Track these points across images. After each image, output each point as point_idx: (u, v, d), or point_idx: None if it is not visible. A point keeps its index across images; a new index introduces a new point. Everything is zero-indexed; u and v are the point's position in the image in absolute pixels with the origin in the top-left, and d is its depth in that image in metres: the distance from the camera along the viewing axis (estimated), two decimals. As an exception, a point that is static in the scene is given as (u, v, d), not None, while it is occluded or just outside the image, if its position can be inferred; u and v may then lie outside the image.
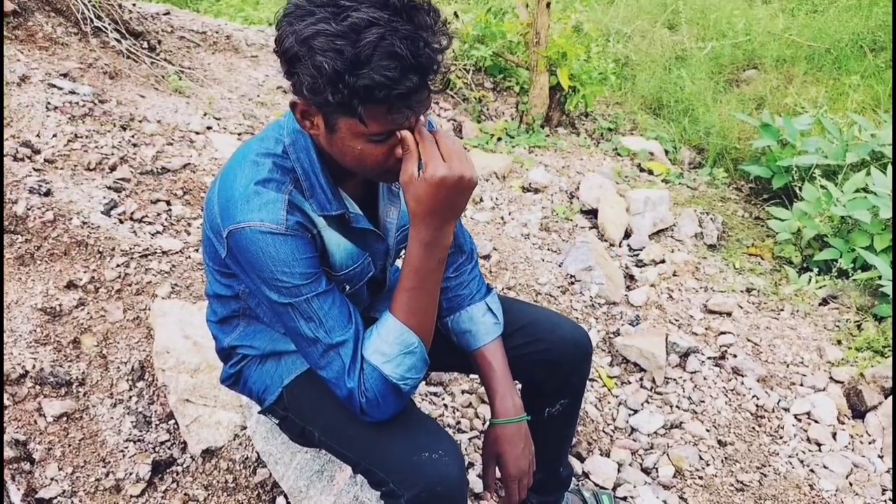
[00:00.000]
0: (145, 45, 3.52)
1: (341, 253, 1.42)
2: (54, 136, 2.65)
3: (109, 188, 2.55)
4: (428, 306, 1.35)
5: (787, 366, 2.68)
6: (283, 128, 1.35)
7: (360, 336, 1.34)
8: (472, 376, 2.50)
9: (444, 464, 1.34)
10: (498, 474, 1.61)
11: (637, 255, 3.27)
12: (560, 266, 3.04)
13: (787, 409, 2.49)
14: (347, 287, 1.48)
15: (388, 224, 1.51)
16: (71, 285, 2.27)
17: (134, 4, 3.83)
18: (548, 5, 4.15)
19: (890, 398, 2.46)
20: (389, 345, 1.32)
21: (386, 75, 1.09)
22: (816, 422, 2.45)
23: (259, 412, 1.69)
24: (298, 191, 1.32)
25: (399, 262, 1.63)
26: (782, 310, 3.00)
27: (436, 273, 1.32)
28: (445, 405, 2.38)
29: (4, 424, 1.99)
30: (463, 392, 2.44)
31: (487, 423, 2.28)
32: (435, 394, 2.42)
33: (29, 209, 2.35)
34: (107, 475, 1.98)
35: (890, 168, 3.28)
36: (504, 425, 1.57)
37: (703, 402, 2.48)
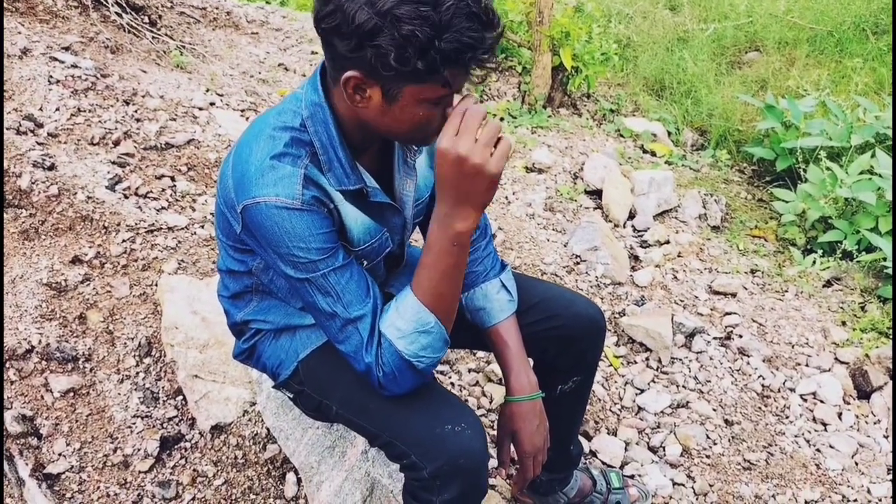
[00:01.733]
0: (146, 19, 3.47)
1: (359, 228, 1.40)
2: (57, 109, 2.62)
3: (114, 163, 2.52)
4: (444, 287, 1.32)
5: (793, 346, 2.68)
6: (300, 100, 1.32)
7: (379, 310, 1.33)
8: (478, 355, 2.49)
9: (468, 437, 1.34)
10: (513, 451, 1.60)
11: (641, 235, 3.26)
12: (565, 246, 3.03)
13: (792, 390, 2.50)
14: (365, 262, 1.47)
15: (405, 197, 1.49)
16: (76, 260, 2.24)
17: (133, -22, 3.78)
18: (552, -16, 4.11)
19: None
20: (405, 321, 1.31)
21: (471, 36, 1.11)
22: (822, 402, 2.45)
23: (273, 387, 1.68)
24: (315, 165, 1.30)
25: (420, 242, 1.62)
26: (787, 291, 3.01)
27: (451, 255, 1.29)
28: (452, 383, 2.38)
29: (11, 399, 1.98)
30: (469, 371, 2.44)
31: (498, 401, 2.29)
32: (441, 372, 2.42)
33: (33, 183, 2.32)
34: (115, 451, 1.97)
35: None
36: (520, 402, 1.56)
37: (710, 381, 2.48)
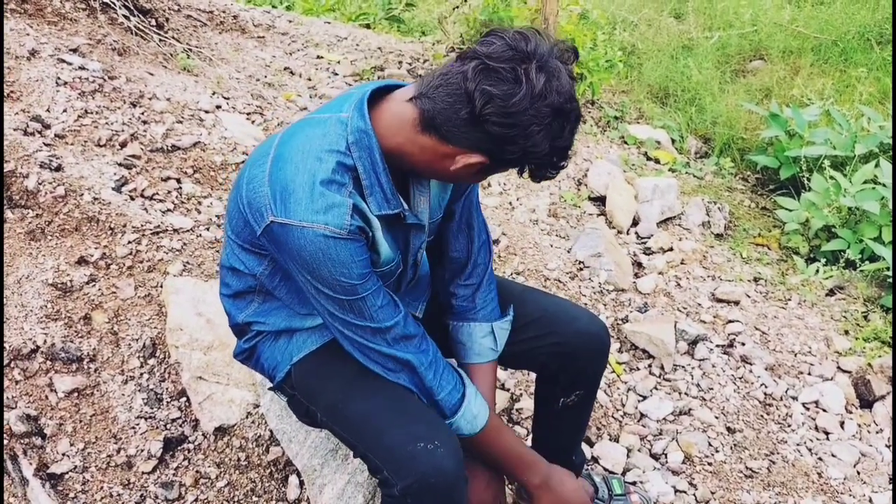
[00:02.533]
0: (153, 22, 3.48)
1: (385, 250, 1.43)
2: (64, 111, 2.63)
3: (120, 165, 2.54)
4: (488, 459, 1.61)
5: (795, 355, 2.69)
6: (345, 125, 1.32)
7: (410, 323, 1.43)
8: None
9: (440, 455, 1.34)
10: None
11: (645, 242, 3.27)
12: (569, 252, 3.04)
13: (795, 398, 2.50)
14: (382, 281, 1.49)
15: (421, 214, 1.51)
16: (82, 261, 2.25)
17: (141, -19, 3.80)
18: (557, -9, 4.12)
19: (897, 388, 2.48)
20: (476, 410, 1.51)
21: (564, 158, 1.30)
22: (824, 410, 2.45)
23: (269, 389, 1.69)
24: (357, 191, 1.32)
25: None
26: (790, 299, 3.01)
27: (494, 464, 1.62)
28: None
29: (16, 399, 1.98)
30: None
31: (500, 405, 2.29)
32: (444, 376, 2.42)
33: (40, 184, 2.33)
34: (118, 451, 1.98)
35: (899, 160, 3.29)
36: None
37: (712, 389, 2.49)
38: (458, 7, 4.76)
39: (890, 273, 2.90)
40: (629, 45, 5.44)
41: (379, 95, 1.36)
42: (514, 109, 1.19)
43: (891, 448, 2.34)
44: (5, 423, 1.91)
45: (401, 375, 1.43)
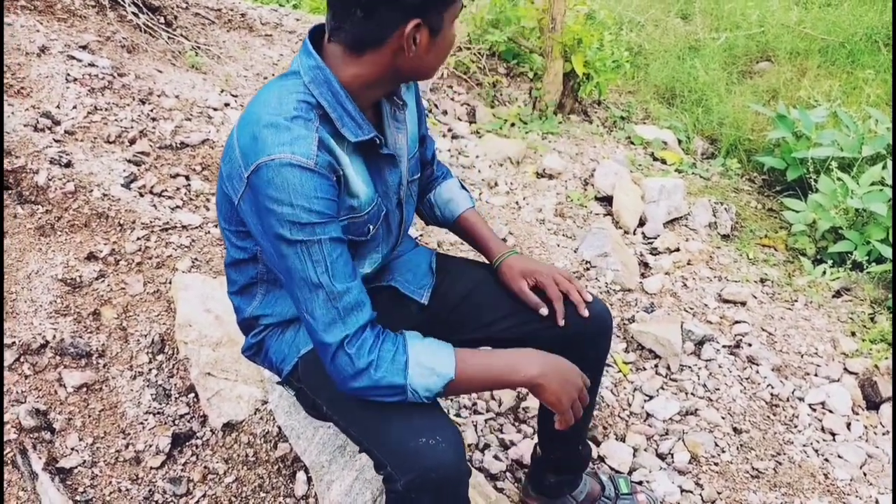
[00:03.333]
0: (162, 20, 3.49)
1: (363, 189, 1.42)
2: (74, 107, 2.64)
3: (129, 161, 2.54)
4: (477, 384, 1.45)
5: (802, 356, 2.69)
6: (296, 72, 1.34)
7: (363, 291, 1.34)
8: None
9: (441, 450, 1.33)
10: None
11: (651, 242, 3.27)
12: (575, 252, 3.04)
13: (801, 399, 2.50)
14: (371, 228, 1.49)
15: (399, 150, 1.51)
16: (91, 257, 2.26)
17: (149, -21, 3.81)
18: (565, -9, 4.12)
19: (904, 390, 2.47)
20: (432, 357, 1.35)
21: None
22: (831, 412, 2.45)
23: (277, 383, 1.69)
24: (325, 127, 1.31)
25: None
26: (796, 300, 3.01)
27: (498, 384, 1.47)
28: (461, 386, 2.38)
29: (26, 393, 1.99)
30: (479, 374, 2.44)
31: (507, 404, 2.30)
32: (451, 375, 2.42)
33: (50, 180, 2.34)
34: (126, 447, 1.99)
35: (906, 162, 3.28)
36: (512, 255, 1.72)
37: (719, 389, 2.49)
38: (464, 6, 4.76)
39: (897, 275, 2.90)
40: (636, 46, 5.44)
41: (319, 36, 1.38)
42: None
43: (897, 450, 2.34)
44: (15, 417, 1.93)
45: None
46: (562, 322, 1.64)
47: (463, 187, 1.86)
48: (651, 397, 2.44)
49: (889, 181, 3.20)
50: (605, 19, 4.81)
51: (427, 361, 1.34)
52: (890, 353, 2.65)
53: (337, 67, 1.32)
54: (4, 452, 1.87)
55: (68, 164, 2.40)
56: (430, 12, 1.27)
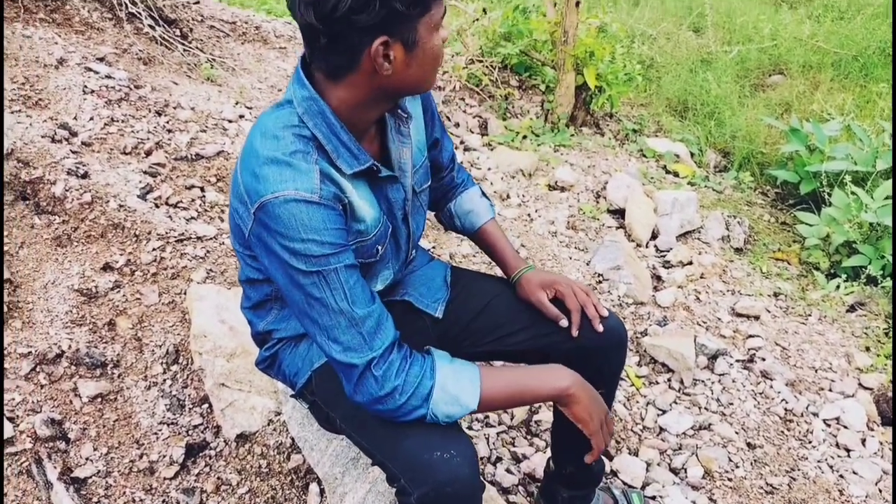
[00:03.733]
0: (178, 32, 3.53)
1: (369, 212, 1.43)
2: (91, 119, 2.67)
3: (145, 172, 2.57)
4: (501, 401, 1.41)
5: (816, 371, 2.67)
6: (290, 102, 1.34)
7: (384, 313, 1.34)
8: (500, 371, 2.50)
9: (456, 464, 1.32)
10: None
11: (664, 255, 3.26)
12: (588, 264, 3.04)
13: (816, 414, 2.48)
14: (379, 248, 1.49)
15: (403, 164, 1.51)
16: (107, 267, 2.28)
17: (166, -8, 3.85)
18: (577, 4, 4.14)
19: (920, 406, 2.45)
20: (456, 383, 1.33)
21: None
22: (846, 427, 2.44)
23: (291, 396, 1.70)
24: (324, 158, 1.32)
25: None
26: (810, 315, 2.99)
27: (525, 400, 1.43)
28: (474, 399, 2.38)
29: (41, 403, 2.01)
30: (491, 386, 2.44)
31: (520, 417, 2.30)
32: (463, 387, 2.42)
33: (67, 190, 2.36)
34: (141, 457, 1.99)
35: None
36: (530, 270, 1.73)
37: (732, 404, 2.48)
38: (477, 20, 4.79)
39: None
40: (648, 59, 5.45)
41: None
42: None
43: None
44: (31, 426, 1.94)
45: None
46: (576, 332, 1.64)
47: (484, 195, 1.87)
48: (664, 411, 2.43)
49: (903, 195, 3.18)
50: (618, 32, 4.83)
51: (452, 388, 1.33)
52: (905, 369, 2.63)
53: (326, 94, 1.32)
54: (20, 462, 1.88)
55: (85, 175, 2.42)
56: (398, 27, 1.22)
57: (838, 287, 3.12)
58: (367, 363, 1.29)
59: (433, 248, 2.95)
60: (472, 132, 4.14)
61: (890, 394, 2.50)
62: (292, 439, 1.99)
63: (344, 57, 1.25)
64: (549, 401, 1.45)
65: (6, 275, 2.16)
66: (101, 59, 3.01)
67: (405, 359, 1.33)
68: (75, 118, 2.65)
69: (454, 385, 1.33)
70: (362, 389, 1.31)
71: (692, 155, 4.37)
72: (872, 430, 2.45)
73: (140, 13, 3.36)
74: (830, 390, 2.60)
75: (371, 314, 1.31)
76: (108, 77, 2.91)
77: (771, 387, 2.56)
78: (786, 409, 2.49)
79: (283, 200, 1.24)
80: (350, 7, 1.18)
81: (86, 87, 2.79)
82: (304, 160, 1.28)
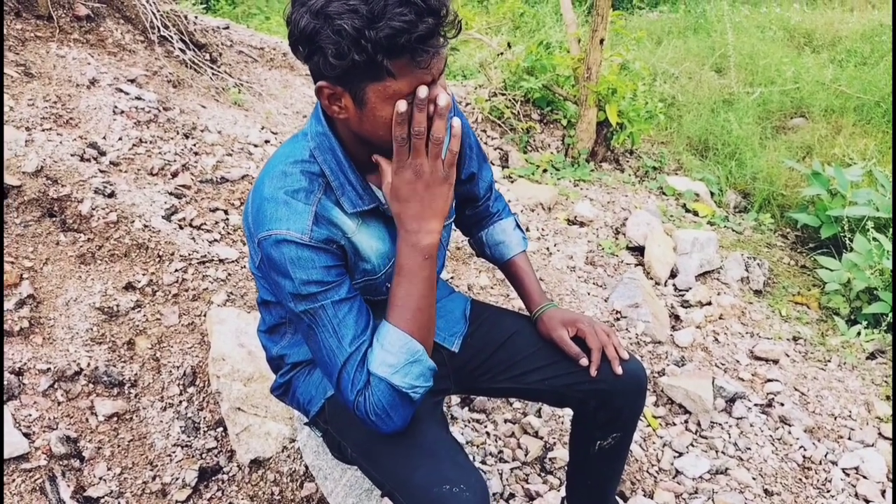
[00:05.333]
0: (207, 56, 3.58)
1: (375, 254, 1.44)
2: (120, 139, 2.70)
3: (171, 194, 2.59)
4: (423, 304, 1.34)
5: (835, 418, 2.63)
6: (306, 134, 1.38)
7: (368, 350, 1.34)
8: (515, 405, 2.48)
9: (465, 499, 1.31)
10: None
11: (683, 295, 3.24)
12: (606, 301, 3.03)
13: (834, 463, 2.45)
14: (389, 286, 1.49)
15: None
16: (129, 287, 2.29)
17: (196, 17, 3.92)
18: (601, 41, 4.18)
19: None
20: (395, 355, 1.31)
21: (403, 20, 1.11)
22: (865, 477, 2.39)
23: (305, 424, 1.69)
24: (329, 195, 1.34)
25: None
26: (829, 361, 2.96)
27: (423, 269, 1.32)
28: (488, 433, 2.37)
29: (57, 420, 2.01)
30: (506, 421, 2.43)
31: (534, 454, 2.28)
32: (478, 421, 2.41)
33: (93, 209, 2.38)
34: (154, 478, 1.99)
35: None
36: (552, 308, 1.72)
37: (750, 449, 2.44)
38: (501, 53, 4.84)
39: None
40: (669, 97, 5.47)
41: None
42: (293, 17, 1.18)
43: (934, 521, 2.28)
44: (46, 443, 1.94)
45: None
46: (594, 372, 1.62)
47: (518, 226, 1.85)
48: (680, 454, 2.40)
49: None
50: (640, 70, 4.86)
51: (392, 359, 1.32)
52: (927, 420, 2.59)
53: (341, 128, 1.33)
54: (34, 478, 1.88)
55: (112, 195, 2.45)
56: (343, 80, 1.19)
57: (859, 334, 3.09)
58: (356, 396, 1.32)
59: (451, 278, 2.95)
60: (493, 164, 4.16)
61: (911, 445, 2.47)
62: (306, 467, 1.98)
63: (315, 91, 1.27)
64: (425, 257, 1.32)
65: (29, 290, 2.18)
66: (132, 81, 3.06)
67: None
68: (104, 138, 2.69)
69: (392, 357, 1.32)
70: (363, 418, 1.34)
71: (712, 194, 4.36)
72: (893, 481, 2.41)
73: (171, 37, 3.41)
74: (850, 439, 2.56)
75: (359, 348, 1.32)
76: (138, 98, 2.95)
77: (789, 433, 2.53)
78: (804, 457, 2.45)
79: (274, 239, 1.28)
80: (292, 43, 1.21)
81: (116, 107, 2.83)
82: (304, 199, 1.31)
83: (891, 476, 2.43)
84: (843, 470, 2.42)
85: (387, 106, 1.21)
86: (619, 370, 1.62)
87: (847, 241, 3.50)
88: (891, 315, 3.06)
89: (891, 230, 3.44)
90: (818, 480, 2.38)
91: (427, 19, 1.14)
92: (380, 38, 1.12)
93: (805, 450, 2.47)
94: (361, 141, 1.31)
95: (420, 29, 1.13)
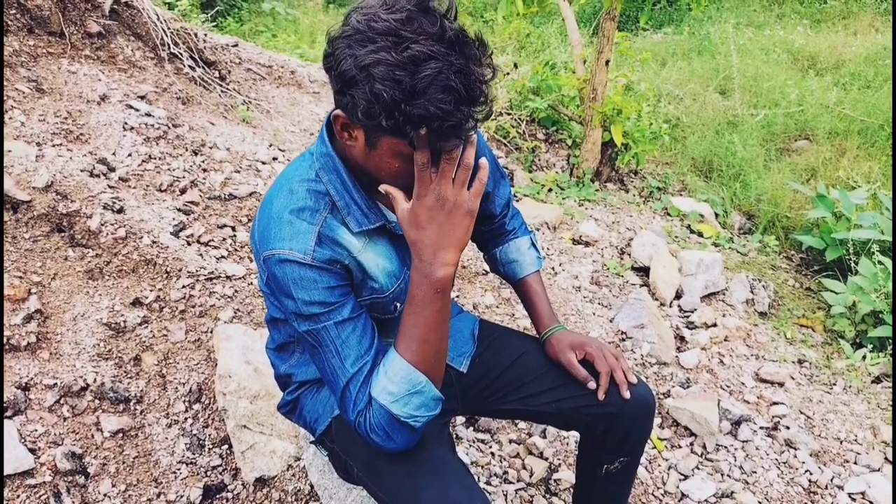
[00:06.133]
0: (216, 74, 3.61)
1: (382, 273, 1.43)
2: (129, 155, 2.72)
3: (179, 210, 2.60)
4: (431, 336, 1.32)
5: (841, 442, 2.62)
6: (312, 154, 1.39)
7: (374, 368, 1.34)
8: (520, 426, 2.48)
9: None
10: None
11: (688, 316, 3.24)
12: (611, 321, 3.02)
13: (840, 487, 2.43)
14: (397, 305, 1.50)
15: None
16: (137, 303, 2.30)
17: (205, 34, 3.95)
18: (606, 63, 4.21)
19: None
20: (396, 384, 1.31)
21: (441, 108, 1.11)
22: (871, 503, 2.38)
23: (311, 443, 1.69)
24: (335, 214, 1.35)
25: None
26: (835, 384, 2.95)
27: (434, 302, 1.29)
28: (493, 453, 2.36)
29: (63, 436, 2.01)
30: (511, 442, 2.42)
31: (539, 475, 2.27)
32: (483, 441, 2.40)
33: (102, 225, 2.39)
34: (158, 496, 1.98)
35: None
36: (562, 330, 1.71)
37: (755, 472, 2.43)
38: (508, 73, 4.87)
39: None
40: (674, 118, 5.50)
41: None
42: (338, 52, 1.16)
43: (942, 547, 2.26)
44: (51, 459, 1.93)
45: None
46: (602, 396, 1.62)
47: (534, 245, 1.84)
48: (686, 476, 2.39)
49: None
50: (645, 91, 4.89)
51: (393, 388, 1.31)
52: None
53: (342, 147, 1.34)
54: (39, 495, 1.87)
55: (120, 210, 2.46)
56: (364, 119, 1.17)
57: (864, 357, 3.08)
58: (356, 416, 1.33)
59: (457, 297, 2.96)
60: (511, 184, 4.17)
61: (917, 470, 2.45)
62: (311, 486, 1.97)
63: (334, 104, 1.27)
64: (437, 290, 1.29)
65: (37, 305, 2.18)
66: (142, 98, 3.08)
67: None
68: (114, 154, 2.70)
69: (394, 385, 1.31)
70: (365, 438, 1.34)
71: (716, 216, 4.37)
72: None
73: (181, 54, 3.44)
74: (856, 463, 2.55)
75: (361, 369, 1.32)
76: (148, 115, 2.97)
77: (795, 456, 2.52)
78: (810, 481, 2.44)
79: (277, 259, 1.29)
80: (327, 68, 1.20)
81: (126, 123, 2.85)
82: (308, 219, 1.31)
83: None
84: (850, 495, 2.41)
85: (394, 159, 1.22)
86: (626, 395, 1.62)
87: (852, 264, 3.51)
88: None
89: (896, 253, 3.45)
90: (824, 505, 2.37)
91: (463, 109, 1.14)
92: (413, 114, 1.12)
93: (811, 474, 2.46)
94: (363, 168, 1.33)
95: (454, 119, 1.13)
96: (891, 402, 2.86)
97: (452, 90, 1.12)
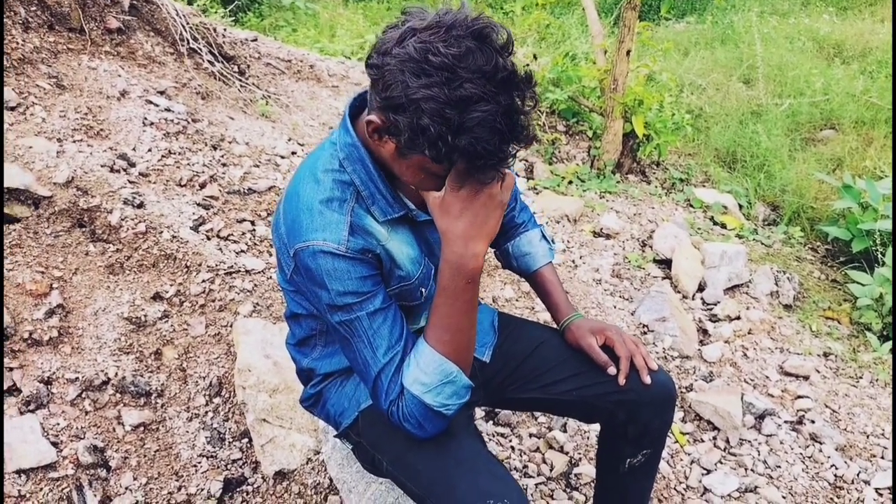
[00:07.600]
0: (235, 68, 3.62)
1: (408, 260, 1.45)
2: (149, 150, 2.73)
3: (199, 205, 2.61)
4: (463, 324, 1.35)
5: (867, 436, 2.58)
6: (335, 144, 1.38)
7: (404, 358, 1.36)
8: (539, 419, 2.46)
9: None
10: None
11: (711, 309, 3.20)
12: (632, 314, 2.99)
13: (867, 482, 2.39)
14: (423, 291, 1.51)
15: None
16: (157, 297, 2.31)
17: (225, 29, 3.96)
18: (627, 53, 4.16)
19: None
20: (428, 375, 1.33)
21: (486, 148, 1.14)
22: (899, 498, 2.34)
23: (335, 436, 1.69)
24: (360, 203, 1.35)
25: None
26: (861, 377, 2.90)
27: (466, 292, 1.32)
28: (513, 447, 2.35)
29: (85, 429, 2.02)
30: (531, 436, 2.41)
31: (559, 469, 2.25)
32: (503, 435, 2.39)
33: (122, 220, 2.41)
34: (179, 489, 1.99)
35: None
36: (580, 317, 1.71)
37: (780, 467, 2.40)
38: (527, 65, 4.83)
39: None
40: (696, 109, 5.43)
41: (362, 106, 1.40)
42: (390, 73, 1.16)
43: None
44: (73, 452, 1.95)
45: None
46: (623, 380, 1.61)
47: (545, 237, 1.85)
48: (709, 471, 2.36)
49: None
50: (667, 81, 4.83)
51: (425, 379, 1.33)
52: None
53: (367, 141, 1.34)
54: (62, 488, 1.89)
55: (141, 206, 2.48)
56: (400, 131, 1.18)
57: (891, 350, 3.02)
58: (389, 405, 1.35)
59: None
60: (518, 176, 4.15)
61: (947, 465, 2.40)
62: (330, 479, 1.97)
63: (369, 102, 1.28)
64: (468, 281, 1.32)
65: (59, 300, 2.20)
66: (162, 93, 3.10)
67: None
68: (134, 149, 2.72)
69: (426, 377, 1.33)
70: (400, 425, 1.36)
71: (740, 207, 4.31)
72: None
73: (200, 49, 3.45)
74: (882, 457, 2.50)
75: (393, 359, 1.34)
76: (168, 110, 2.98)
77: (820, 451, 2.48)
78: (836, 475, 2.40)
79: (311, 251, 1.29)
80: (372, 79, 1.20)
81: (146, 119, 2.86)
82: (338, 209, 1.32)
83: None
84: (876, 489, 2.37)
85: (421, 172, 1.25)
86: (647, 379, 1.60)
87: (879, 255, 3.44)
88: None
89: (925, 244, 3.38)
90: (850, 500, 2.33)
91: (505, 148, 1.17)
92: (456, 146, 1.14)
93: (836, 468, 2.42)
94: (387, 165, 1.34)
95: (496, 159, 1.17)
96: (919, 396, 2.81)
97: (499, 132, 1.14)
